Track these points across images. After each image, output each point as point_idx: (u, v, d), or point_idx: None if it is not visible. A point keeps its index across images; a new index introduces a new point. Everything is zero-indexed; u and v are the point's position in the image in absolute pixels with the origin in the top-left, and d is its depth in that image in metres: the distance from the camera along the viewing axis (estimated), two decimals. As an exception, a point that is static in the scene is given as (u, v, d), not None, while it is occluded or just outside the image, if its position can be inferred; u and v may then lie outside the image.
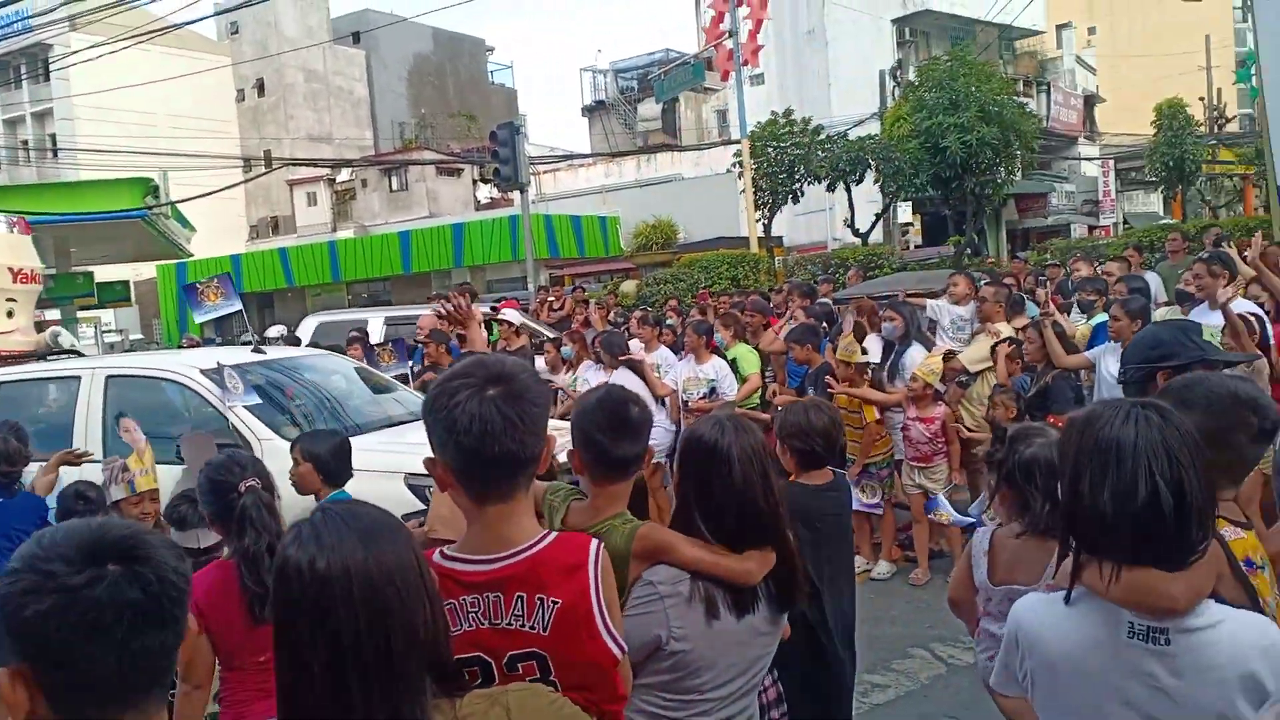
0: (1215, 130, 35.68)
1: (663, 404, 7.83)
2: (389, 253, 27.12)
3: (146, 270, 28.36)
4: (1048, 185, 31.81)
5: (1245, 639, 1.72)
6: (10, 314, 9.48)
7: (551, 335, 10.32)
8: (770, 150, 21.25)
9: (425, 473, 1.91)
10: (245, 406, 5.98)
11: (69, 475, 4.79)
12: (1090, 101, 36.72)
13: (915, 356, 7.00)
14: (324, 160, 35.01)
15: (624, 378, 7.32)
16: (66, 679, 1.19)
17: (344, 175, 36.31)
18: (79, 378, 6.58)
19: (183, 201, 17.26)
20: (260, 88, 41.23)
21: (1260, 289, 6.43)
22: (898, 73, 27.25)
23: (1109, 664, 1.77)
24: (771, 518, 2.33)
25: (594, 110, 41.36)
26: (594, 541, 1.91)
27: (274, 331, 13.16)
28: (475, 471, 1.81)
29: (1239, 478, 2.29)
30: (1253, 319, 5.61)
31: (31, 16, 28.82)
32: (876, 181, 21.48)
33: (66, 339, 9.10)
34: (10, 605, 1.18)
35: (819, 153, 21.17)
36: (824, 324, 8.23)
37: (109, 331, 20.02)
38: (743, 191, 21.17)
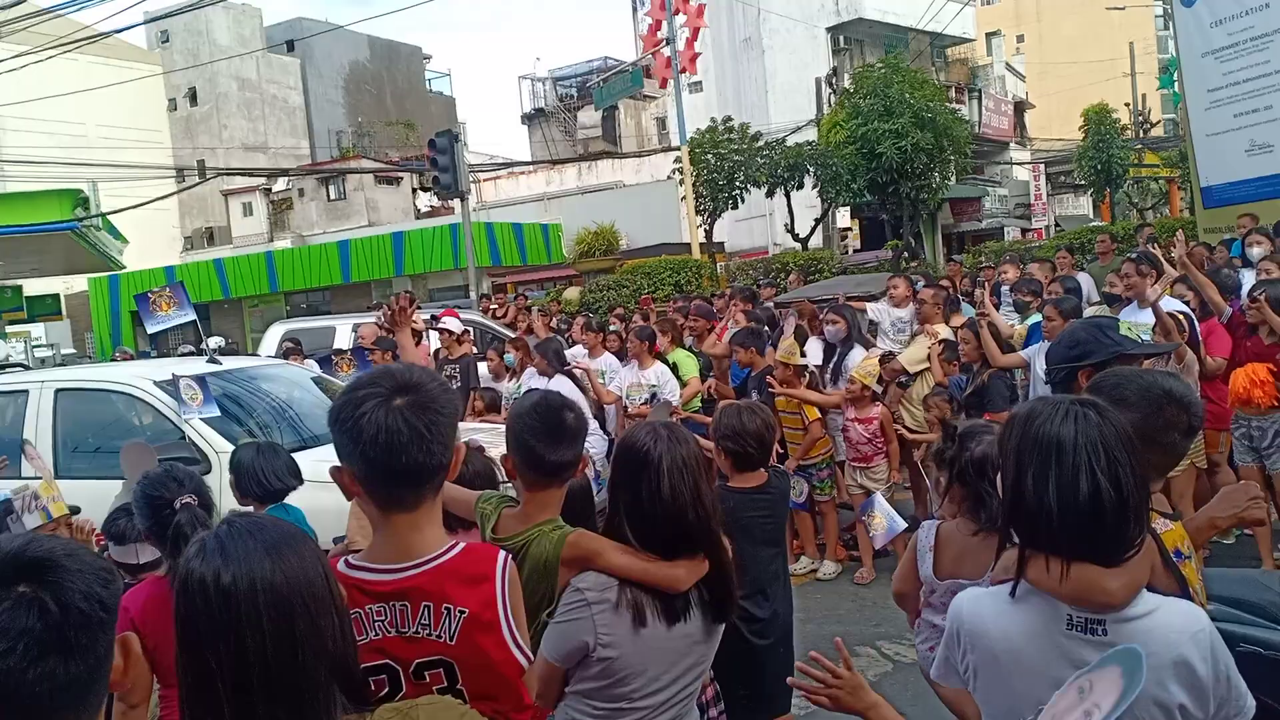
0: (1141, 135, 36.69)
1: (601, 410, 7.85)
2: (328, 263, 26.77)
3: (78, 283, 27.64)
4: (981, 190, 32.41)
5: (1177, 625, 1.78)
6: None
7: (512, 335, 10.30)
8: (710, 157, 21.36)
9: None
10: (202, 419, 5.85)
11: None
12: (1020, 107, 37.49)
13: (857, 358, 7.09)
14: (259, 170, 34.38)
15: (561, 384, 7.32)
16: None
17: (280, 185, 35.70)
18: (26, 391, 6.39)
19: (114, 213, 16.86)
20: (193, 97, 40.38)
21: (1185, 288, 6.62)
22: (833, 80, 27.55)
23: (1049, 655, 1.82)
24: (701, 528, 2.30)
25: (534, 118, 41.18)
26: (501, 553, 1.92)
27: (213, 342, 12.93)
28: (382, 481, 1.79)
29: (1166, 471, 2.37)
30: (1181, 317, 5.79)
31: (-48, 25, 28.00)
32: (815, 187, 21.68)
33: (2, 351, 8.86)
34: None
35: (758, 159, 21.32)
36: (766, 327, 8.32)
37: (39, 346, 19.51)
38: (683, 198, 21.25)
